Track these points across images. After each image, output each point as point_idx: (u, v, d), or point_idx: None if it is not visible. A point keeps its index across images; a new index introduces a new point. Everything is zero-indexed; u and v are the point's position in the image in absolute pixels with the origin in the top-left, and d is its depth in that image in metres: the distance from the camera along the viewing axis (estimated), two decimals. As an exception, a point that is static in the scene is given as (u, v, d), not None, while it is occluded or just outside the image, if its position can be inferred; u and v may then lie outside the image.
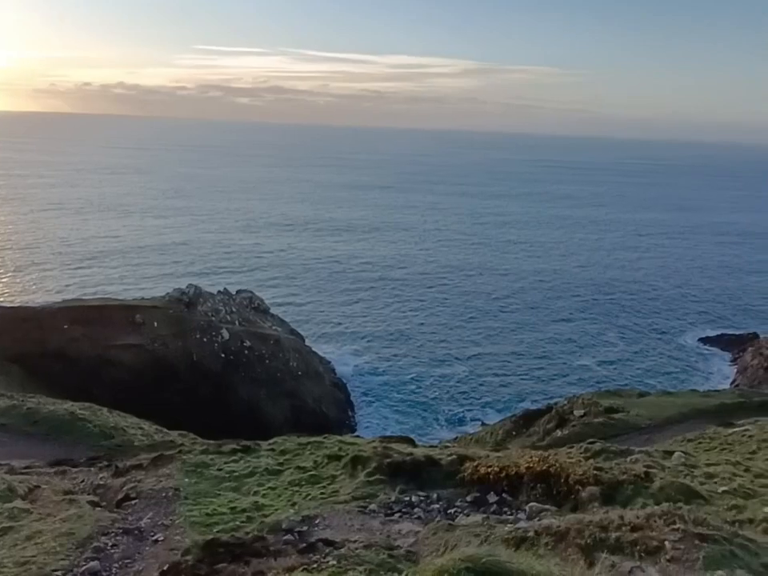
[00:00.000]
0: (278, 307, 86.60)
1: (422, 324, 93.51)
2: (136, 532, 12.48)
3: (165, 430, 28.23)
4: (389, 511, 12.42)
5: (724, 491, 13.17)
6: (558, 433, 39.08)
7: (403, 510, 12.52)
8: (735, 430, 29.68)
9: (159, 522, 12.99)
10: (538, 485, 12.74)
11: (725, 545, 7.86)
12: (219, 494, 14.48)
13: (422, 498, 13.14)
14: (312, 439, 18.79)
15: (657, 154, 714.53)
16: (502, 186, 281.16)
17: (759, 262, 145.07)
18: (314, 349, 75.04)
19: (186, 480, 15.38)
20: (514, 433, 44.09)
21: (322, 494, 14.27)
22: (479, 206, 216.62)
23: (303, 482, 15.23)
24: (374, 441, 20.92)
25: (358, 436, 35.41)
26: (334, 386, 69.28)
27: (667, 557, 7.61)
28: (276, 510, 13.30)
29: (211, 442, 20.47)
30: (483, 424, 58.83)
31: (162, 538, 12.13)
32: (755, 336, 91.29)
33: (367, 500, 13.14)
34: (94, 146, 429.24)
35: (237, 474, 15.92)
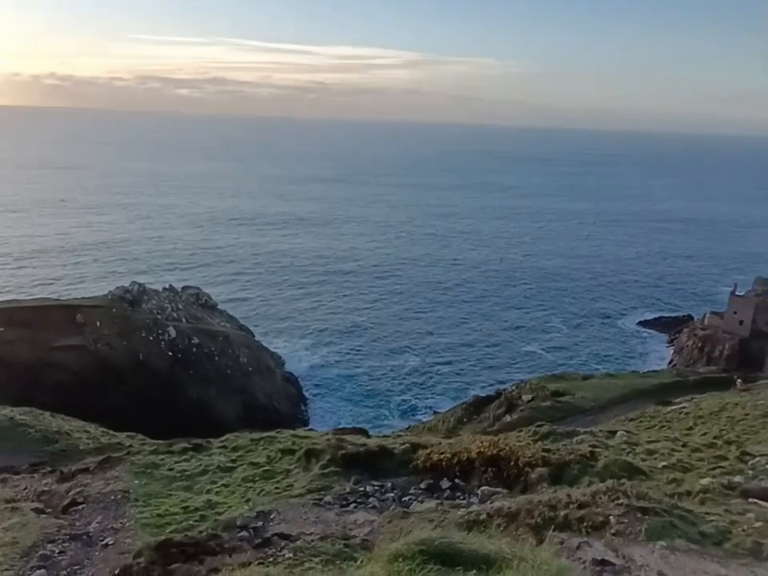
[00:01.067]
0: (227, 303, 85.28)
1: (374, 316, 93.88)
2: (84, 537, 12.11)
3: (112, 432, 27.37)
4: (344, 502, 12.46)
5: (664, 466, 13.79)
6: (508, 418, 40.09)
7: (358, 500, 12.58)
8: (673, 408, 31.11)
9: (108, 526, 12.64)
10: (489, 469, 13.03)
11: (665, 516, 8.27)
12: (171, 494, 14.21)
13: (376, 488, 13.24)
14: (265, 434, 18.62)
15: (595, 145, 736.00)
16: (448, 177, 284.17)
17: (693, 246, 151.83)
18: (264, 344, 74.31)
19: (136, 482, 15.01)
20: (465, 419, 44.95)
21: (276, 488, 14.19)
22: (426, 197, 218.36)
23: (257, 478, 15.09)
24: (327, 433, 20.91)
25: (311, 429, 35.32)
26: (285, 381, 68.86)
27: (612, 531, 7.94)
28: (230, 507, 13.15)
29: (161, 441, 20.01)
30: (435, 412, 59.67)
31: (111, 542, 11.81)
32: (690, 318, 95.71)
33: (322, 492, 13.14)
34: (25, 140, 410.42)
35: (188, 472, 15.63)
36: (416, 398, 70.44)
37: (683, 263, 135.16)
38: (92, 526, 12.71)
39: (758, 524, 8.47)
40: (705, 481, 11.70)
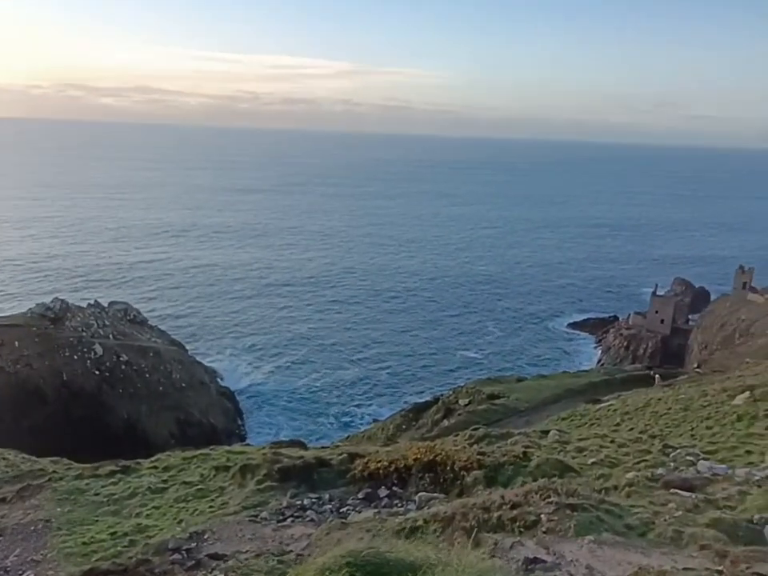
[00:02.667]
0: (159, 319, 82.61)
1: (312, 327, 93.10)
2: (1, 573, 11.39)
3: (34, 458, 25.74)
4: (281, 517, 12.19)
5: (593, 462, 14.24)
6: (445, 422, 40.56)
7: (295, 514, 12.33)
8: (602, 405, 32.30)
9: (28, 558, 11.88)
10: (426, 474, 13.08)
11: (593, 512, 8.53)
12: (97, 521, 13.50)
13: (313, 500, 13.03)
14: (198, 452, 17.99)
15: (522, 153, 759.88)
16: (382, 186, 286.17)
17: (617, 250, 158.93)
18: (198, 359, 72.39)
19: (59, 509, 14.18)
20: (404, 426, 45.17)
21: (210, 507, 13.73)
22: (361, 206, 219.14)
23: (190, 498, 14.55)
24: (263, 448, 20.42)
25: (247, 444, 34.57)
26: (221, 395, 67.26)
27: (543, 529, 8.13)
28: (161, 529, 12.62)
29: (87, 465, 19.04)
30: (375, 420, 59.68)
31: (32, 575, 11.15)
32: (616, 318, 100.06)
33: (258, 508, 12.80)
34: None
35: (116, 496, 14.90)
36: (356, 407, 70.26)
37: (609, 266, 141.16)
38: (9, 559, 11.93)
39: (678, 513, 8.87)
40: (630, 474, 12.16)
